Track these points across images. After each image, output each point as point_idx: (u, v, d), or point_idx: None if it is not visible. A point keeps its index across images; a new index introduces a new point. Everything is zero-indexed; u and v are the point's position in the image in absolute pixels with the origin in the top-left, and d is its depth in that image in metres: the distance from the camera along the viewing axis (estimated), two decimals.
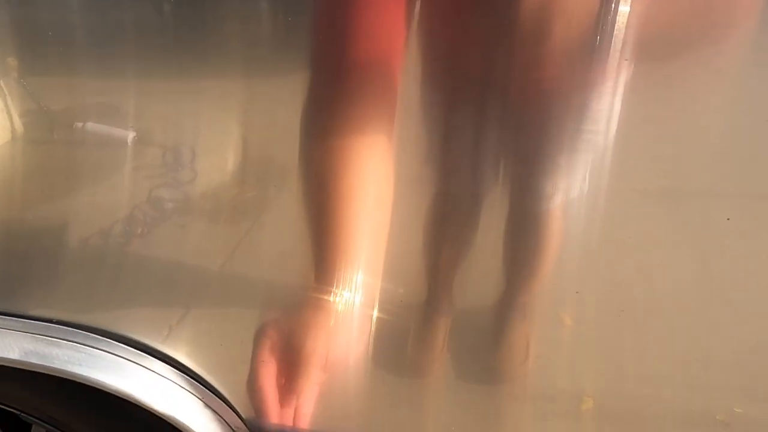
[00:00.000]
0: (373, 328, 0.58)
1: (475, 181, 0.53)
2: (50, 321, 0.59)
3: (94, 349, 0.59)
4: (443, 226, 0.54)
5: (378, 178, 0.54)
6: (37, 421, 0.80)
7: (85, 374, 0.57)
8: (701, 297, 0.53)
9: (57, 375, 0.58)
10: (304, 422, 0.62)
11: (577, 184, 0.52)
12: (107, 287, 0.61)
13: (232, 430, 0.64)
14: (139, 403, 0.59)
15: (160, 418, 0.69)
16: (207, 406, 0.62)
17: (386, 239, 0.55)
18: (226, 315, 0.61)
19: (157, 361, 0.61)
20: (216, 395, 0.63)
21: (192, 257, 0.59)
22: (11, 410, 0.80)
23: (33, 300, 0.62)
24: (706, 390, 0.56)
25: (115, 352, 0.60)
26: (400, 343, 0.59)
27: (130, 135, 0.55)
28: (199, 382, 0.63)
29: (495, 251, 0.54)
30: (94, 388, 0.67)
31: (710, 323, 0.54)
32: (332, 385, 0.61)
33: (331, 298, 0.57)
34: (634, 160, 0.51)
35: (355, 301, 0.57)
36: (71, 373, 0.57)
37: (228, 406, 0.63)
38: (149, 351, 0.61)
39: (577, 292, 0.54)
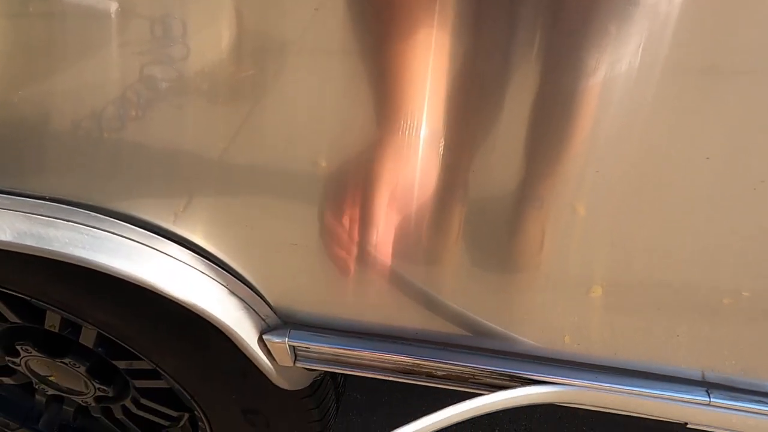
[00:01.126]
0: (384, 214, 0.52)
1: (508, 52, 0.44)
2: (43, 198, 0.51)
3: (98, 230, 0.51)
4: (466, 103, 0.47)
5: (413, 49, 0.45)
6: (48, 306, 0.77)
7: (90, 258, 0.50)
8: (727, 180, 0.47)
9: (59, 259, 0.51)
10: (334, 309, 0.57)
11: (626, 59, 0.43)
12: (105, 170, 0.52)
13: (261, 318, 0.58)
14: (157, 290, 0.52)
15: (183, 311, 0.64)
16: (233, 293, 0.56)
17: (407, 116, 0.48)
18: (244, 197, 0.52)
19: (172, 243, 0.54)
20: (243, 282, 0.57)
21: (192, 139, 0.50)
22: (21, 296, 0.77)
23: (24, 175, 0.53)
24: (716, 274, 0.53)
25: (123, 234, 0.51)
26: (415, 231, 0.54)
27: (113, 6, 0.47)
28: (223, 269, 0.56)
29: (519, 133, 0.47)
30: (112, 278, 0.61)
31: (730, 207, 0.49)
32: (347, 274, 0.57)
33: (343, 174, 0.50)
34: (685, 35, 0.42)
35: (368, 184, 0.51)
36: (74, 256, 0.50)
37: (256, 293, 0.57)
38: (161, 233, 0.53)
39: (596, 172, 0.48)
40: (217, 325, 0.56)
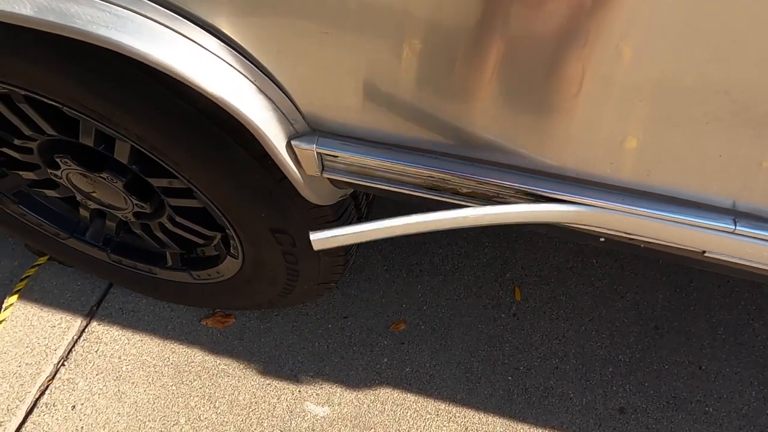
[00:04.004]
0: (420, 46, 0.48)
1: None
2: None
3: (120, 8, 0.48)
4: None
5: None
6: (81, 116, 0.79)
7: (113, 38, 0.47)
8: None
9: (82, 39, 0.49)
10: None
11: None
12: None
13: (290, 123, 0.57)
14: (182, 77, 0.50)
15: (208, 116, 0.62)
16: (261, 91, 0.53)
17: None
18: None
19: (200, 30, 0.50)
20: (272, 81, 0.54)
21: None
22: (53, 103, 0.78)
23: None
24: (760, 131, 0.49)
25: (146, 14, 0.48)
26: (448, 64, 0.49)
27: None
28: (253, 64, 0.53)
29: None
30: (140, 75, 0.59)
31: None
32: (386, 96, 0.54)
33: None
34: None
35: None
36: (97, 36, 0.47)
37: (285, 95, 0.55)
38: (189, 17, 0.50)
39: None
40: (245, 123, 0.55)
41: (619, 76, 0.47)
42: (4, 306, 1.33)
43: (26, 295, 1.36)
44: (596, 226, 0.56)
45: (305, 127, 0.58)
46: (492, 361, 1.31)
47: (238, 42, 0.50)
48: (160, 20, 0.49)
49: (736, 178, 0.51)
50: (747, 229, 0.52)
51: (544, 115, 0.52)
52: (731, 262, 0.56)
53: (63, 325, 1.33)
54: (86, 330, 1.33)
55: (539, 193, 0.54)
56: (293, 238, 0.93)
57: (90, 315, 1.35)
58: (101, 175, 0.96)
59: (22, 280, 1.36)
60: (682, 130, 0.48)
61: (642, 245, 0.58)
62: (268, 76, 0.53)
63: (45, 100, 0.77)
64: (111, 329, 1.33)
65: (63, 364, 1.28)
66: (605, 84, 0.48)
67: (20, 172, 1.05)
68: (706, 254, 0.57)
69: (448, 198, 0.59)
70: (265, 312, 1.36)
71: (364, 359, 1.31)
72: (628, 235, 0.56)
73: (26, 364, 1.27)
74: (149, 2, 0.48)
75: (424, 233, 0.54)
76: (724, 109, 0.46)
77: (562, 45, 0.46)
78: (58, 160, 0.96)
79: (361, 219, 1.03)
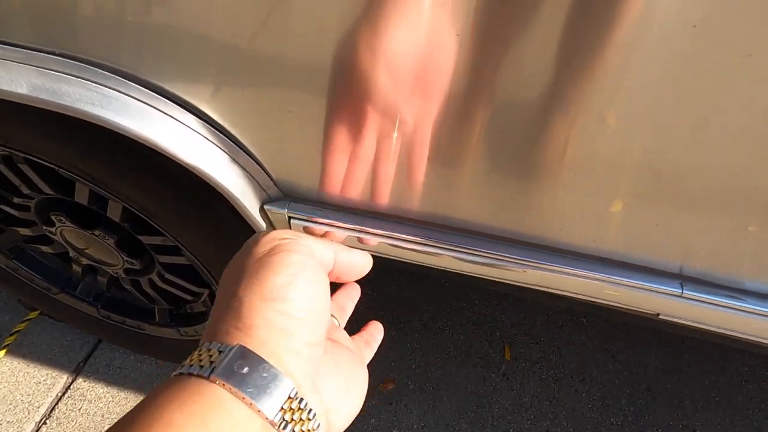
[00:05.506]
0: (407, 115, 0.52)
1: None
2: (53, 53, 0.53)
3: (106, 89, 0.52)
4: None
5: None
6: (76, 177, 0.83)
7: (99, 114, 0.52)
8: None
9: (71, 114, 0.54)
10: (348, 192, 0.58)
11: None
12: (113, 28, 0.53)
13: (263, 188, 0.61)
14: (162, 149, 0.54)
15: (193, 180, 0.67)
16: (234, 160, 0.58)
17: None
18: (258, 68, 0.51)
19: (178, 107, 0.55)
20: (245, 152, 0.58)
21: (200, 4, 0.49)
22: (51, 166, 0.82)
23: (36, 29, 0.54)
24: (743, 202, 0.51)
25: (130, 93, 0.53)
26: (434, 132, 0.53)
27: None
28: (227, 137, 0.57)
29: (548, 36, 0.44)
30: (127, 143, 0.64)
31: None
32: (367, 164, 0.57)
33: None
34: None
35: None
36: (83, 112, 0.52)
37: (257, 163, 0.59)
38: (168, 96, 0.54)
39: (628, 87, 0.45)
40: (221, 191, 0.59)
41: (558, 151, 0.50)
42: None
43: (14, 351, 1.36)
44: (550, 288, 0.58)
45: (278, 193, 0.62)
46: (481, 423, 1.28)
47: (213, 117, 0.55)
48: (142, 99, 0.54)
49: (675, 245, 0.53)
50: (693, 293, 0.55)
51: (498, 182, 0.55)
52: (685, 324, 0.57)
53: (48, 381, 1.32)
54: (71, 387, 1.32)
55: (493, 255, 0.57)
56: None
57: (77, 371, 1.34)
58: (94, 232, 1.00)
59: (11, 334, 1.37)
60: (614, 201, 0.51)
61: (603, 307, 0.59)
62: (241, 148, 0.58)
63: (43, 162, 0.82)
64: (96, 386, 1.32)
65: (45, 423, 1.26)
66: (547, 157, 0.51)
67: (18, 229, 1.09)
68: (660, 316, 0.58)
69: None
70: None
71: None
72: (588, 298, 0.58)
73: (7, 422, 1.26)
74: (132, 83, 0.53)
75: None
76: (647, 183, 0.50)
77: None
78: (53, 217, 1.00)
79: None
